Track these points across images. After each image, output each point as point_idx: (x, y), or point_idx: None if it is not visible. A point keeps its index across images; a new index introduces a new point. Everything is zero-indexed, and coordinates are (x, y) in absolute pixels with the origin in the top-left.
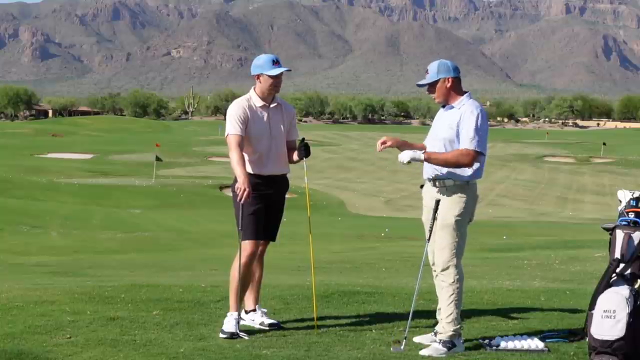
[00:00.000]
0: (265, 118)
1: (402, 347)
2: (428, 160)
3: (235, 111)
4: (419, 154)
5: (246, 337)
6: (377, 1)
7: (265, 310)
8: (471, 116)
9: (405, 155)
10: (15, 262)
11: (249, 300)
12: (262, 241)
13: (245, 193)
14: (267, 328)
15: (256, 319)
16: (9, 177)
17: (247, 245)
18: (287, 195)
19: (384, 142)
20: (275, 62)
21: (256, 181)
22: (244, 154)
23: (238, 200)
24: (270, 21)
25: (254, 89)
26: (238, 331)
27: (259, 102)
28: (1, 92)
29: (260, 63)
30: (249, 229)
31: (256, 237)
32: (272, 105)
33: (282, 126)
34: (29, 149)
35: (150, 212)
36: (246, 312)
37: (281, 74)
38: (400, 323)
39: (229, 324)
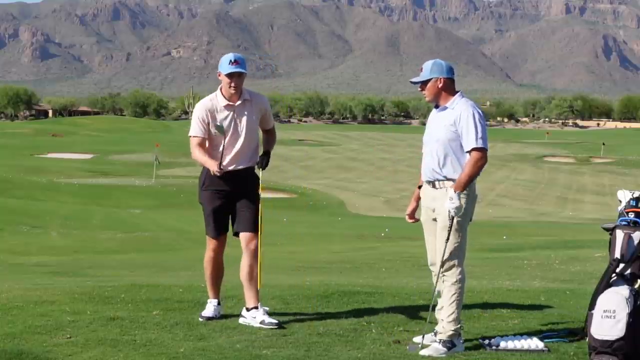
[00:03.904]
0: (229, 117)
1: (419, 344)
2: (462, 190)
3: (196, 113)
4: (457, 194)
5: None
6: (377, 1)
7: (267, 308)
8: (469, 115)
9: (456, 206)
10: (15, 262)
11: (250, 298)
12: (249, 234)
13: (218, 172)
14: (267, 327)
15: (257, 317)
16: (9, 177)
17: (209, 241)
18: (286, 195)
19: (411, 217)
20: (234, 62)
21: (218, 177)
22: (207, 150)
23: (213, 174)
24: (270, 21)
25: (220, 87)
26: (215, 315)
27: (223, 102)
28: (1, 92)
29: (221, 62)
30: (210, 226)
31: (215, 234)
32: (237, 103)
33: (248, 122)
34: (29, 149)
35: (150, 212)
36: (247, 310)
37: (237, 74)
38: (401, 323)
39: (207, 310)
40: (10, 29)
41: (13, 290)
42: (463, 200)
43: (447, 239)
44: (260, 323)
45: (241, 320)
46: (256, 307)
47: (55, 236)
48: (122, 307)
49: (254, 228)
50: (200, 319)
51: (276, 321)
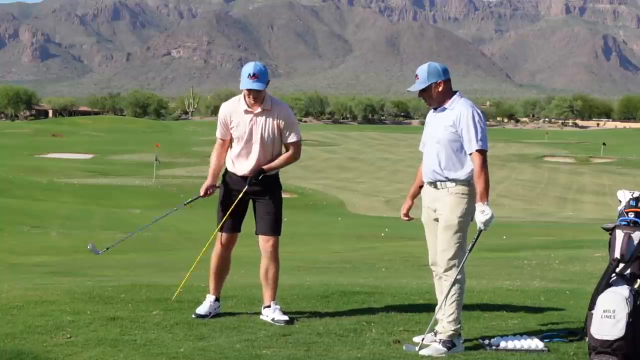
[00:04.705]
0: (247, 122)
1: (416, 349)
2: (487, 198)
3: (220, 114)
4: (486, 205)
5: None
6: (377, 1)
7: (278, 306)
8: (469, 116)
9: (490, 219)
10: (15, 262)
11: (265, 297)
12: (264, 237)
13: (203, 194)
14: (276, 324)
15: (269, 315)
16: (9, 177)
17: (218, 236)
18: (286, 195)
19: (407, 215)
20: (252, 76)
21: (232, 178)
22: (230, 150)
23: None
24: (270, 21)
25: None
26: (210, 312)
27: (243, 106)
28: (1, 92)
29: (242, 72)
30: (218, 221)
31: (224, 229)
32: (257, 111)
33: (264, 132)
34: (29, 149)
35: (150, 212)
36: (263, 308)
37: (255, 90)
38: (401, 323)
39: (203, 307)
40: (10, 29)
41: (13, 290)
42: (466, 204)
43: (457, 241)
44: (272, 320)
45: (261, 317)
46: (269, 306)
47: (55, 236)
48: (122, 307)
49: (269, 231)
50: (193, 316)
51: (286, 318)
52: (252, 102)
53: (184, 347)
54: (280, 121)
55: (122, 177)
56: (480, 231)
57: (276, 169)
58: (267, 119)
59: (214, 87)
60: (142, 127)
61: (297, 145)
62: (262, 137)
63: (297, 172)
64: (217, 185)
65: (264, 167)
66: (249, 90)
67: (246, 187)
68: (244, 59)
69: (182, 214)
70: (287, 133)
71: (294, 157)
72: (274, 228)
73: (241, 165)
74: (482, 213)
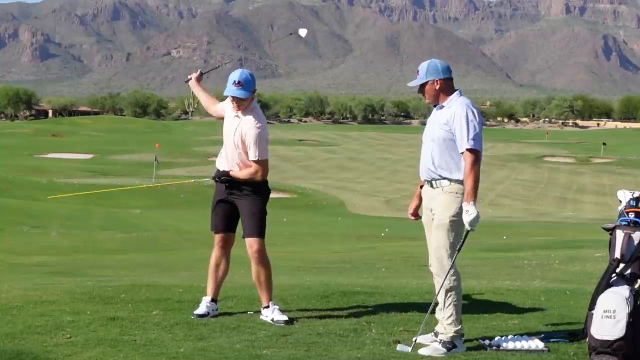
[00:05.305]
0: (229, 120)
1: (409, 349)
2: (474, 198)
3: (225, 101)
4: (472, 205)
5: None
6: (377, 1)
7: (277, 307)
8: (462, 115)
9: (475, 219)
10: (15, 262)
11: (262, 298)
12: (248, 240)
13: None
14: (276, 324)
15: (269, 315)
16: (9, 177)
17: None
18: (286, 195)
19: (414, 215)
20: (237, 84)
21: (216, 173)
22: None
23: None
24: (270, 21)
25: None
26: (209, 312)
27: (232, 105)
28: (1, 92)
29: (228, 78)
30: (211, 220)
31: (212, 227)
32: (236, 113)
33: (234, 136)
34: (29, 149)
35: (150, 212)
36: (262, 309)
37: (237, 98)
38: (401, 323)
39: (200, 308)
40: (10, 29)
41: (13, 290)
42: (460, 203)
43: (450, 240)
44: (271, 320)
45: (260, 317)
46: (268, 306)
47: (55, 236)
48: (122, 307)
49: (251, 233)
50: (192, 317)
51: (285, 318)
52: (236, 107)
53: (184, 347)
54: (242, 132)
55: (122, 177)
56: (468, 231)
57: (240, 179)
58: (239, 126)
59: (214, 87)
60: (142, 127)
61: (258, 164)
62: (230, 141)
63: (297, 172)
64: (197, 78)
65: (230, 172)
66: (232, 97)
67: (210, 177)
68: (243, 59)
69: (182, 214)
70: (248, 148)
71: (258, 174)
72: (255, 230)
73: (220, 161)
74: (466, 213)
